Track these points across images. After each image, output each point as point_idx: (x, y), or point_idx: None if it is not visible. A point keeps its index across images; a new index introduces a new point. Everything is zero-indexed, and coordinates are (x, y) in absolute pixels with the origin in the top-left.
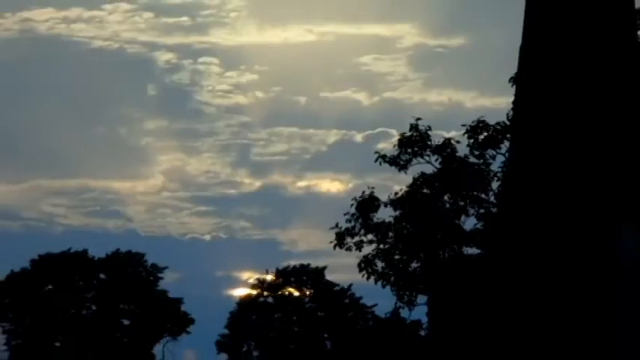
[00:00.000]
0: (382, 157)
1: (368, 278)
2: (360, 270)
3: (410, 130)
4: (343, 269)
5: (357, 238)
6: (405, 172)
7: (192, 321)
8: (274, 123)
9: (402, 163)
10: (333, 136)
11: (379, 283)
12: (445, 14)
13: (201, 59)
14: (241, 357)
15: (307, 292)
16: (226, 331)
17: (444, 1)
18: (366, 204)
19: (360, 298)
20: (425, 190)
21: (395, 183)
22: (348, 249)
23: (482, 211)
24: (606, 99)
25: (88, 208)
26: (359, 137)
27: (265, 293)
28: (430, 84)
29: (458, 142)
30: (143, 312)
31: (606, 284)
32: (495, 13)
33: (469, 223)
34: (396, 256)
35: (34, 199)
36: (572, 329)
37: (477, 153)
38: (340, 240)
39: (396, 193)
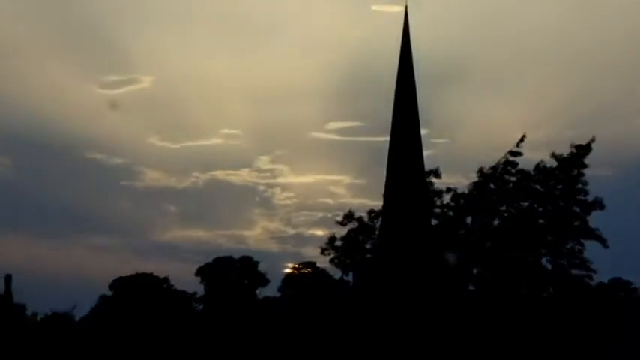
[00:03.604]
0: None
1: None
2: (330, 262)
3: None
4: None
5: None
6: (345, 227)
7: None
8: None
9: (344, 224)
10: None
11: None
12: (362, 170)
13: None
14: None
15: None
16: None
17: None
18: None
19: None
20: (352, 234)
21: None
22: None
23: (373, 241)
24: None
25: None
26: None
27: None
28: (358, 196)
29: (364, 217)
30: None
31: (436, 275)
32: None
33: (371, 243)
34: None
35: None
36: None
37: (372, 221)
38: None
39: (345, 234)
